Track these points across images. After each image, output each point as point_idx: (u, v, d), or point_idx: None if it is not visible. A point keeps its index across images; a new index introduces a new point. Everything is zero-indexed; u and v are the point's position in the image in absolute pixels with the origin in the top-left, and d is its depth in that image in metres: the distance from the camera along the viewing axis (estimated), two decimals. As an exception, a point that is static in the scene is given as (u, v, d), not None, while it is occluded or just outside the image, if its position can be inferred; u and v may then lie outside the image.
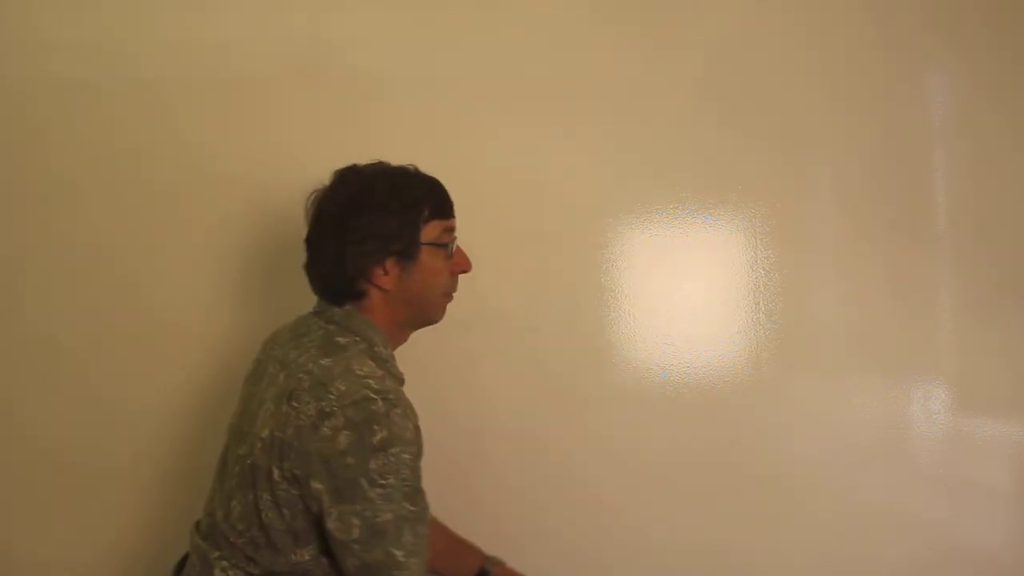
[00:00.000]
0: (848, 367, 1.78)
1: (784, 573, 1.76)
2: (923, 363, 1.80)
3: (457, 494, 1.70)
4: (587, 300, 1.74)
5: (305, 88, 1.67)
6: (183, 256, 1.64)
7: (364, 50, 1.69)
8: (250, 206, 1.64)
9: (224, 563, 1.19)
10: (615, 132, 1.73)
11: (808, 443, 1.76)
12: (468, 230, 1.70)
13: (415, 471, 1.14)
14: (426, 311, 1.28)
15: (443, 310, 1.31)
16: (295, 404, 1.15)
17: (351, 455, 1.10)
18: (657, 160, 1.75)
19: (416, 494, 1.14)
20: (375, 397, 1.12)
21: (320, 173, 1.67)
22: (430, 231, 1.25)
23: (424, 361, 1.70)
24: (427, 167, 1.69)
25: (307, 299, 1.32)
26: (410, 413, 1.16)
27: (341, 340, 1.21)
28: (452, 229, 1.29)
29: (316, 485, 1.12)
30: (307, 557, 1.17)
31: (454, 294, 1.32)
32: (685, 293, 1.76)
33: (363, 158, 1.68)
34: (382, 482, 1.10)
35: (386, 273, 1.23)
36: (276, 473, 1.15)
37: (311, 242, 1.26)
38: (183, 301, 1.65)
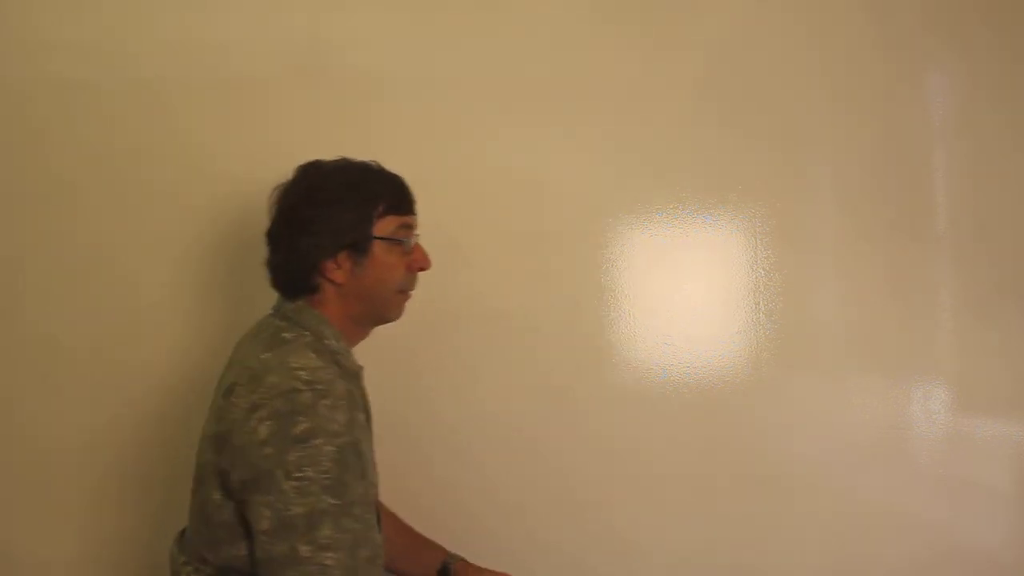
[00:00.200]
0: (848, 367, 1.78)
1: (784, 573, 1.76)
2: (923, 363, 1.80)
3: (456, 494, 1.70)
4: (587, 300, 1.74)
5: (306, 88, 1.67)
6: (182, 256, 1.64)
7: (364, 50, 1.69)
8: (249, 206, 1.64)
9: (188, 568, 1.20)
10: (615, 132, 1.73)
11: (808, 443, 1.76)
12: (468, 230, 1.71)
13: (341, 463, 1.09)
14: (380, 307, 1.27)
15: (399, 307, 1.30)
16: (232, 399, 1.15)
17: (270, 445, 1.09)
18: (657, 160, 1.75)
19: (341, 487, 1.09)
20: (303, 388, 1.11)
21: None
22: (385, 226, 1.24)
23: (424, 361, 1.71)
24: (427, 167, 1.69)
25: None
26: (343, 405, 1.12)
27: (287, 335, 1.20)
28: (410, 226, 1.28)
29: (237, 476, 1.12)
30: (244, 552, 1.14)
31: (412, 292, 1.31)
32: (685, 293, 1.76)
33: (363, 158, 1.68)
34: (298, 474, 1.07)
35: (339, 267, 1.22)
36: (217, 468, 1.15)
37: (269, 235, 1.26)
38: (183, 301, 1.65)
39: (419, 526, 1.69)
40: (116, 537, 1.64)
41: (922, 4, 1.79)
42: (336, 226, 1.21)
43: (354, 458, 1.12)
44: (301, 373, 1.13)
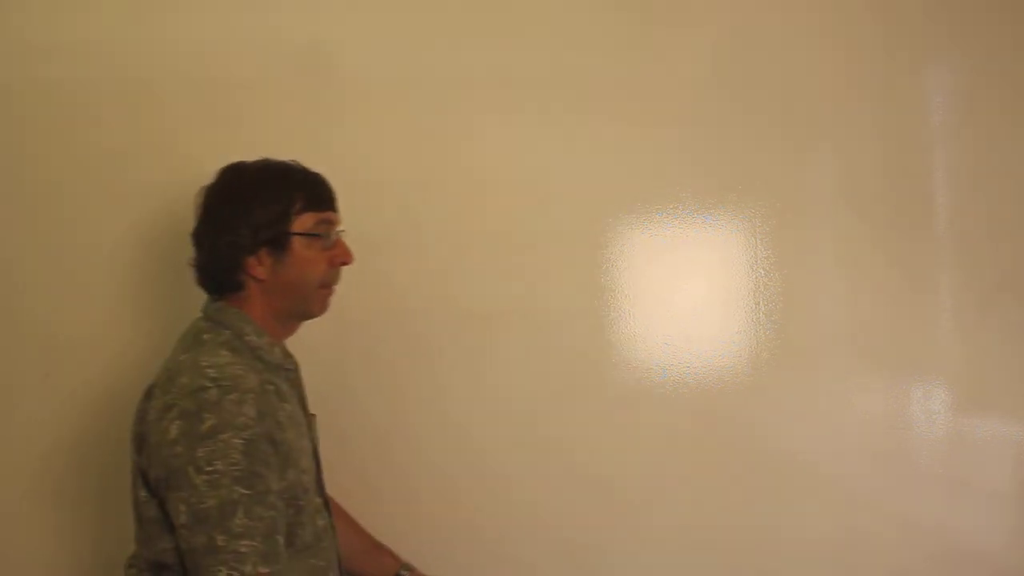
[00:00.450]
0: (848, 367, 1.78)
1: (784, 572, 1.76)
2: (923, 363, 1.80)
3: (455, 493, 1.71)
4: (587, 300, 1.74)
5: (306, 89, 1.67)
6: (181, 255, 1.64)
7: (364, 50, 1.68)
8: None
9: (132, 571, 1.26)
10: (615, 132, 1.73)
11: (808, 443, 1.76)
12: (468, 230, 1.71)
13: (250, 455, 1.12)
14: (302, 302, 1.30)
15: (322, 302, 1.32)
16: (151, 400, 1.20)
17: (180, 444, 1.13)
18: (657, 160, 1.75)
19: (252, 477, 1.12)
20: (209, 386, 1.15)
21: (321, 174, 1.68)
22: (303, 222, 1.27)
23: (424, 361, 1.71)
24: (427, 167, 1.70)
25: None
26: (251, 399, 1.15)
27: (206, 336, 1.24)
28: (330, 222, 1.31)
29: (154, 474, 1.17)
30: (171, 546, 1.18)
31: (335, 287, 1.33)
32: (685, 293, 1.76)
33: (363, 158, 1.69)
34: (208, 468, 1.11)
35: (260, 263, 1.25)
36: (139, 467, 1.21)
37: (193, 236, 1.29)
38: (181, 300, 1.64)
39: (420, 525, 1.69)
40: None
41: (923, 1, 1.79)
42: (255, 223, 1.24)
43: (266, 449, 1.15)
44: (209, 371, 1.17)
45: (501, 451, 1.71)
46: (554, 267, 1.73)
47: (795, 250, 1.77)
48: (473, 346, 1.71)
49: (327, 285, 1.31)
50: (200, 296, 1.30)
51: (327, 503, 1.33)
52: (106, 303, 1.64)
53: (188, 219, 1.29)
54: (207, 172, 1.55)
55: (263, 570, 1.10)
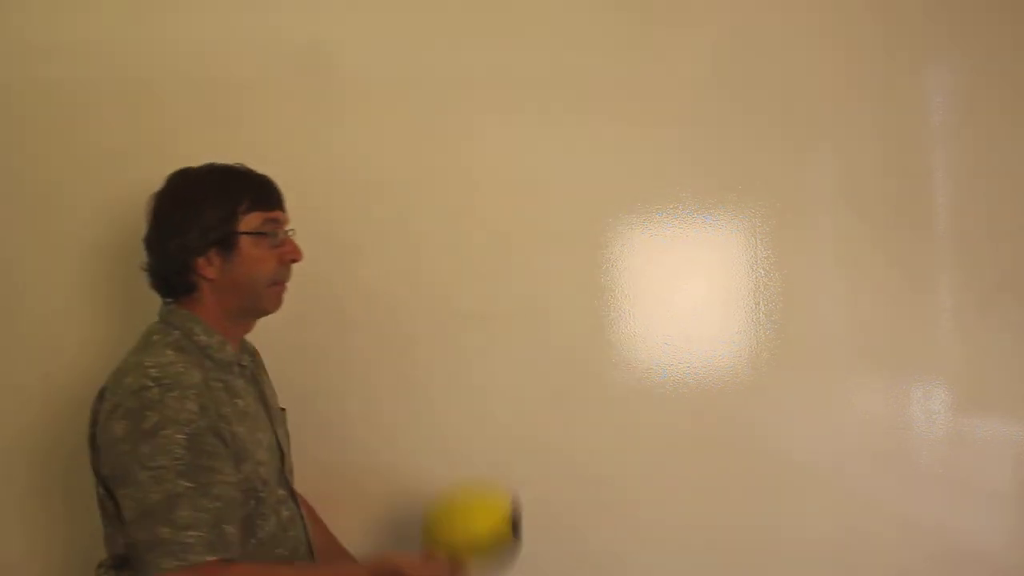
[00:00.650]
0: (848, 367, 1.78)
1: (783, 572, 1.76)
2: (923, 363, 1.79)
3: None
4: (587, 300, 1.74)
5: (306, 89, 1.67)
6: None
7: (364, 50, 1.69)
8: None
9: (100, 570, 1.30)
10: (615, 132, 1.73)
11: (808, 443, 1.76)
12: (468, 230, 1.71)
13: (194, 449, 1.16)
14: (254, 299, 1.32)
15: (274, 299, 1.34)
16: (102, 402, 1.25)
17: (126, 442, 1.17)
18: (657, 160, 1.75)
19: (196, 470, 1.15)
20: (151, 385, 1.18)
21: (321, 174, 1.68)
22: (250, 221, 1.29)
23: (424, 360, 1.71)
24: (427, 167, 1.70)
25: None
26: (192, 395, 1.19)
27: (155, 336, 1.28)
28: (277, 220, 1.33)
29: (105, 472, 1.22)
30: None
31: (287, 283, 1.35)
32: (685, 293, 1.76)
33: (363, 158, 1.69)
34: (152, 464, 1.14)
35: (210, 263, 1.28)
36: (94, 466, 1.26)
37: (145, 242, 1.33)
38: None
39: (419, 524, 1.69)
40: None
41: (923, 1, 1.79)
42: (203, 225, 1.27)
43: (212, 441, 1.18)
44: (151, 371, 1.20)
45: (501, 451, 1.71)
46: (554, 267, 1.73)
47: (795, 250, 1.77)
48: (473, 346, 1.71)
49: (278, 282, 1.34)
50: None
51: (293, 494, 1.37)
52: (107, 303, 1.64)
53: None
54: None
55: (210, 558, 1.13)
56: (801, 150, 1.78)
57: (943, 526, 1.76)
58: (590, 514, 1.73)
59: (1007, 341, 1.78)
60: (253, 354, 1.44)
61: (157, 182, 1.61)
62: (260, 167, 1.66)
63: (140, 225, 1.62)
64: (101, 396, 1.26)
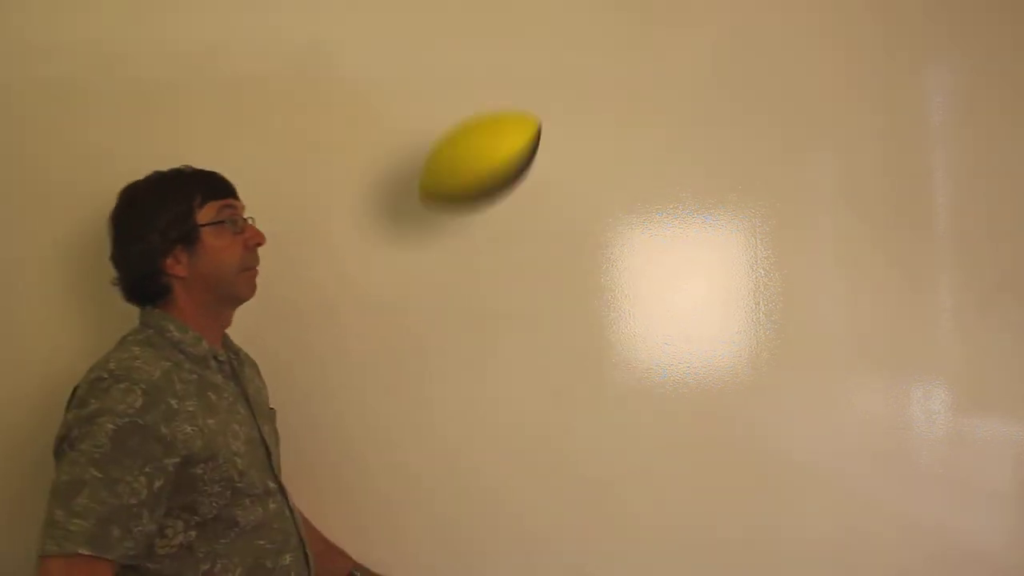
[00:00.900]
0: (848, 367, 1.78)
1: (783, 573, 1.76)
2: (923, 363, 1.79)
3: (455, 492, 1.70)
4: (587, 300, 1.74)
5: (306, 89, 1.67)
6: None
7: (364, 50, 1.69)
8: (251, 207, 1.64)
9: None
10: (615, 132, 1.73)
11: (808, 443, 1.76)
12: (468, 230, 1.71)
13: (118, 441, 1.16)
14: (227, 288, 1.35)
15: (247, 284, 1.37)
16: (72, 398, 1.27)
17: (66, 425, 1.20)
18: (657, 160, 1.75)
19: (109, 463, 1.15)
20: (105, 376, 1.21)
21: (320, 174, 1.68)
22: (206, 213, 1.33)
23: (423, 360, 1.71)
24: (427, 167, 1.70)
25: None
26: (140, 389, 1.20)
27: (129, 336, 1.32)
28: (233, 207, 1.36)
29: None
30: None
31: (258, 267, 1.38)
32: (685, 293, 1.76)
33: (363, 159, 1.69)
34: (76, 447, 1.17)
35: (177, 262, 1.32)
36: None
37: (111, 259, 1.35)
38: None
39: (420, 524, 1.69)
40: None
41: (923, 1, 1.79)
42: (161, 226, 1.31)
43: (139, 442, 1.17)
44: (110, 365, 1.23)
45: (501, 451, 1.71)
46: (554, 267, 1.73)
47: (795, 250, 1.77)
48: (473, 346, 1.71)
49: (248, 268, 1.37)
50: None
51: (282, 488, 1.38)
52: (107, 304, 1.64)
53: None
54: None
55: (84, 552, 1.11)
56: (801, 150, 1.78)
57: (943, 526, 1.76)
58: (589, 514, 1.73)
59: (1007, 341, 1.78)
60: (236, 352, 1.45)
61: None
62: (260, 167, 1.68)
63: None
64: (73, 393, 1.28)
